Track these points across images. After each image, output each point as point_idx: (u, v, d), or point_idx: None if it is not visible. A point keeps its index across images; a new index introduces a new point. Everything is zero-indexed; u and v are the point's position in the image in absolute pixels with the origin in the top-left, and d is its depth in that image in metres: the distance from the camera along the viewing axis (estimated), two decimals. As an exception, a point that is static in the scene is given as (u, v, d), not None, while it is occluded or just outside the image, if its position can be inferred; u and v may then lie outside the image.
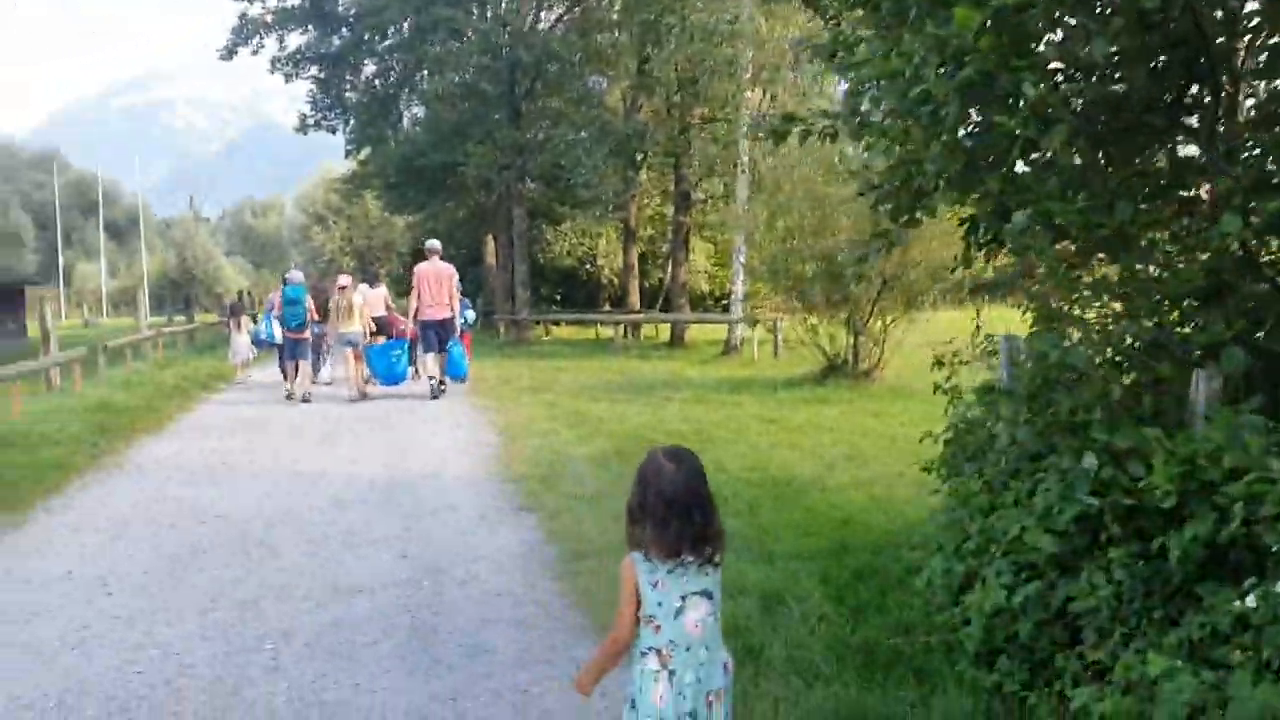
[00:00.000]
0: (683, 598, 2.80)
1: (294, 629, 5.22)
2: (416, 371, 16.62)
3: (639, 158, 24.68)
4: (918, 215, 5.03)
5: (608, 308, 39.59)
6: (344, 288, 16.09)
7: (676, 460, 2.83)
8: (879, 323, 14.13)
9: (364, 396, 15.27)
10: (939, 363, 5.91)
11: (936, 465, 5.60)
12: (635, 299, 30.33)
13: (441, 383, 15.40)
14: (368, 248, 57.84)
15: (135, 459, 10.40)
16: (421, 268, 15.58)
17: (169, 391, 15.70)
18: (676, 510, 2.75)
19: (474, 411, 13.42)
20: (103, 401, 13.11)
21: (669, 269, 26.56)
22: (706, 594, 2.84)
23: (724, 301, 40.59)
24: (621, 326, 25.10)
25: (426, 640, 5.01)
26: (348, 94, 33.07)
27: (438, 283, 15.44)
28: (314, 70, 31.44)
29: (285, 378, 16.01)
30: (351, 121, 33.28)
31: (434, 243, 16.27)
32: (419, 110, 33.98)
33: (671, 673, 2.80)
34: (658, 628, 2.80)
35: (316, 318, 16.16)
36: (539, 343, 27.05)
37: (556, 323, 31.45)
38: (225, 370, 20.53)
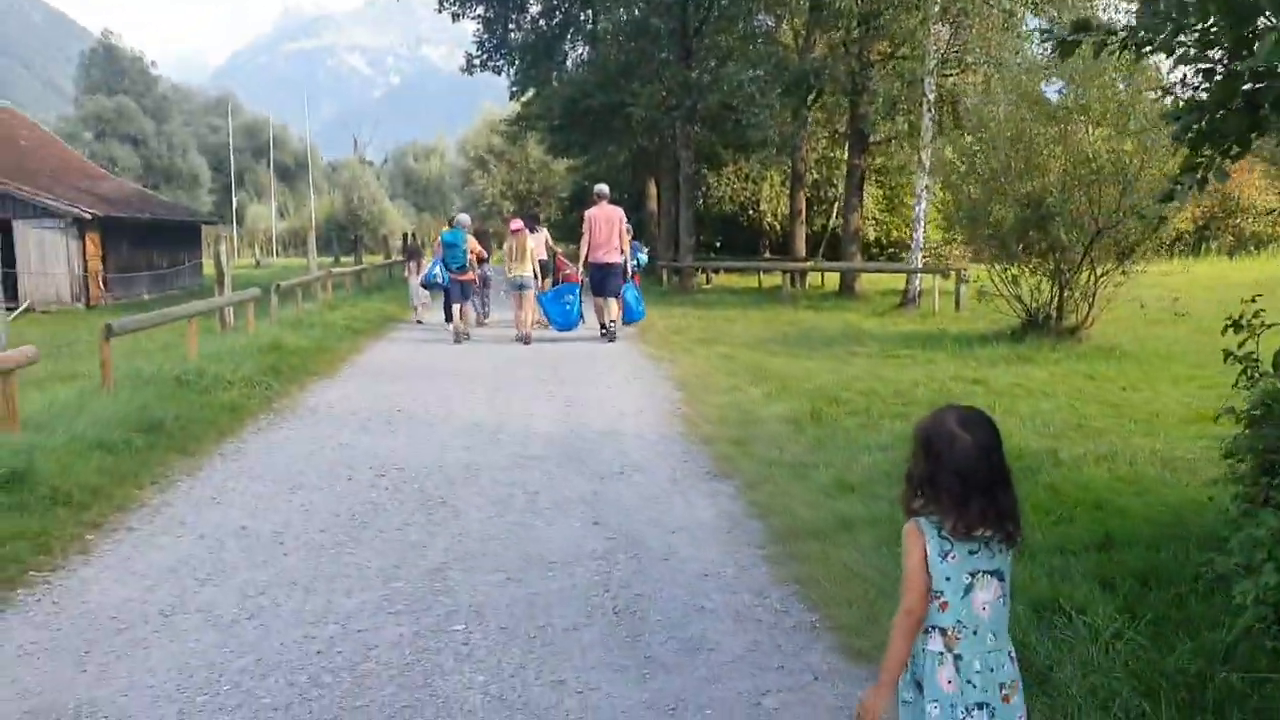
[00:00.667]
0: (972, 575, 2.50)
1: (485, 606, 4.68)
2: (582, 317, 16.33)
3: (811, 97, 23.45)
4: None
5: (768, 255, 38.56)
6: (517, 231, 15.98)
7: (972, 428, 2.48)
8: (1088, 275, 12.88)
9: (528, 341, 15.14)
10: (1236, 325, 4.91)
11: (1234, 450, 4.67)
12: (801, 246, 29.23)
13: (614, 325, 15.29)
14: (528, 192, 57.97)
15: (308, 403, 10.15)
16: (592, 212, 15.69)
17: (339, 333, 15.60)
18: (976, 486, 2.44)
19: (648, 362, 12.82)
20: (275, 342, 13.00)
21: (841, 214, 25.33)
22: (998, 574, 2.54)
23: (890, 249, 39.17)
24: (789, 275, 24.09)
25: (634, 629, 4.39)
26: (513, 34, 32.75)
27: (608, 226, 15.54)
28: (480, 10, 31.15)
29: (448, 320, 16.18)
30: (516, 63, 33.01)
31: (603, 187, 16.38)
32: (584, 51, 33.48)
33: (958, 657, 2.50)
34: (944, 605, 2.51)
35: (481, 259, 16.14)
36: (702, 290, 26.27)
37: (718, 270, 30.57)
38: (392, 311, 20.53)
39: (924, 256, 20.79)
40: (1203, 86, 4.02)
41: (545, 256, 16.74)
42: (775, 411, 8.65)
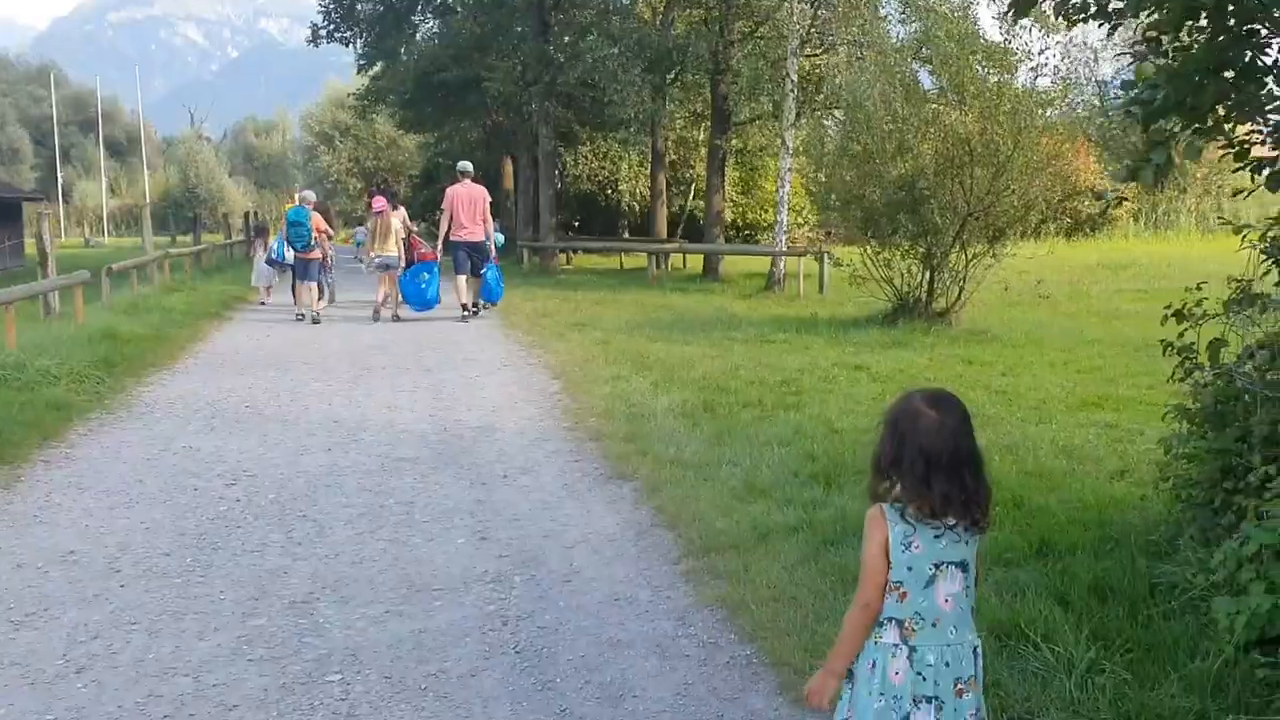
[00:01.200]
0: (936, 565, 2.40)
1: (364, 648, 4.01)
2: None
3: (672, 75, 23.02)
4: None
5: (627, 235, 38.15)
6: (380, 210, 15.66)
7: (939, 407, 2.39)
8: (961, 258, 12.79)
9: (396, 318, 15.18)
10: (1179, 315, 4.60)
11: (1184, 451, 4.36)
12: (662, 227, 28.89)
13: (476, 306, 15.32)
14: (376, 169, 56.08)
15: (146, 398, 9.17)
16: (454, 190, 15.44)
17: (179, 318, 14.43)
18: (942, 468, 2.33)
19: (518, 349, 12.16)
20: (107, 330, 11.85)
21: (699, 195, 25.01)
22: (963, 565, 2.43)
23: (746, 232, 39.25)
24: (655, 256, 23.66)
25: (542, 673, 3.79)
26: (360, 5, 31.34)
27: (471, 205, 15.37)
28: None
29: (295, 300, 15.92)
30: (364, 35, 31.64)
31: (466, 164, 16.09)
32: (434, 25, 32.28)
33: (913, 649, 2.39)
34: (903, 595, 2.40)
35: (327, 234, 15.97)
36: (563, 271, 25.63)
37: (578, 250, 29.95)
38: (236, 293, 19.29)
39: (788, 239, 20.61)
40: (1173, 50, 3.64)
41: (403, 234, 16.21)
42: (665, 404, 8.13)
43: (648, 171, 35.71)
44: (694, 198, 36.33)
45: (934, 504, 2.33)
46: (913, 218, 12.69)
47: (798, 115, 19.67)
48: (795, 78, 19.52)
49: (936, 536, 2.36)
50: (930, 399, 2.40)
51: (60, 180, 75.25)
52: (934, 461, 2.32)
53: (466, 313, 15.08)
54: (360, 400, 9.11)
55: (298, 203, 16.27)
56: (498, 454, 7.07)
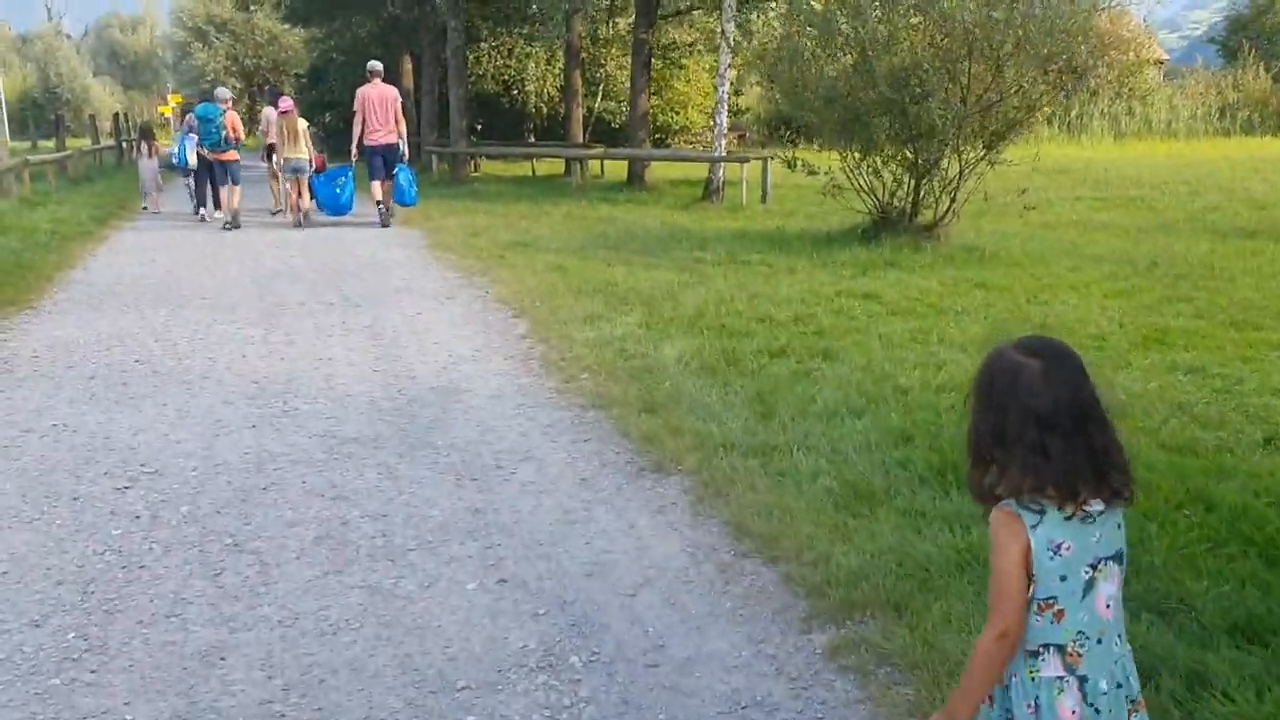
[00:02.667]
0: (1093, 565, 1.86)
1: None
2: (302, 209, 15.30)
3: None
4: None
5: (533, 140, 35.97)
6: (286, 111, 15.05)
7: (1041, 354, 1.87)
8: (954, 164, 11.36)
9: (301, 224, 14.76)
10: None
11: None
12: (578, 130, 26.89)
13: (389, 210, 15.00)
14: (257, 68, 52.32)
15: (3, 352, 7.25)
16: (364, 90, 14.96)
17: (44, 240, 12.29)
18: (1060, 429, 1.80)
19: (457, 277, 10.39)
20: (-48, 258, 9.77)
21: (630, 96, 23.07)
22: (1118, 557, 1.90)
23: (657, 135, 37.35)
24: (579, 164, 21.71)
25: None
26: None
27: (383, 106, 14.94)
28: None
29: (199, 208, 15.96)
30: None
31: (376, 64, 15.49)
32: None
33: (1083, 679, 1.87)
34: (1060, 614, 1.86)
35: (239, 138, 15.16)
36: (474, 179, 23.52)
37: (481, 156, 27.73)
38: (113, 208, 16.99)
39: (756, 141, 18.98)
40: None
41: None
42: (672, 354, 6.55)
43: (556, 71, 33.54)
44: (602, 99, 34.31)
45: (1056, 478, 1.82)
46: (901, 119, 11.18)
47: (741, 5, 17.91)
48: (736, -38, 17.72)
49: (1086, 526, 1.85)
50: (1026, 347, 1.90)
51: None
52: (1048, 422, 1.82)
53: (381, 216, 14.85)
54: (282, 349, 7.33)
55: (214, 100, 15.52)
56: (479, 430, 5.44)
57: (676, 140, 38.40)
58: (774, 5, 20.65)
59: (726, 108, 18.57)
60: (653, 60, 30.90)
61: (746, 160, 18.12)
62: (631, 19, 27.00)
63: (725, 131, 18.73)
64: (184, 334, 7.80)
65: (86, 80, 73.32)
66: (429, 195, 18.88)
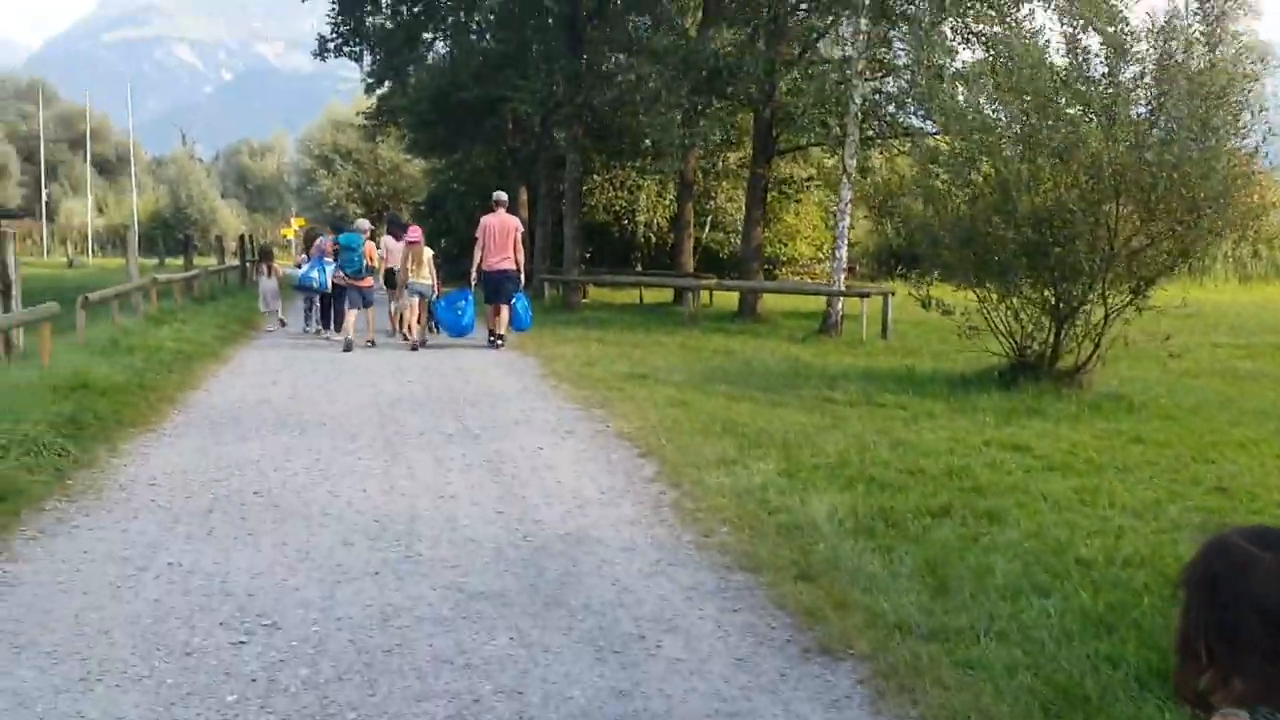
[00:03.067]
0: None
1: None
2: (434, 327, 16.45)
3: (714, 98, 20.99)
4: None
5: (640, 269, 36.17)
6: (415, 241, 15.58)
7: (1276, 545, 1.60)
8: (1099, 309, 10.79)
9: (418, 346, 15.21)
10: None
11: None
12: (688, 260, 26.89)
13: (501, 337, 15.45)
14: (376, 195, 54.11)
15: (121, 477, 7.06)
16: (487, 219, 15.49)
17: (168, 359, 12.35)
18: None
19: (575, 408, 10.08)
20: (78, 376, 9.75)
21: (744, 228, 22.97)
22: None
23: (765, 266, 37.24)
24: (690, 293, 21.53)
25: None
26: (370, 20, 29.45)
27: (504, 234, 15.40)
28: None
29: (326, 328, 16.80)
30: (373, 53, 29.76)
31: (501, 194, 16.27)
32: (449, 44, 30.33)
33: None
34: None
35: (375, 264, 15.96)
36: (587, 307, 23.47)
37: (596, 284, 27.81)
38: (235, 327, 17.26)
39: (846, 277, 18.62)
40: None
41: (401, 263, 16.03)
42: (821, 509, 6.04)
43: (666, 202, 33.86)
44: (710, 229, 34.44)
45: None
46: (1043, 261, 10.69)
47: (862, 142, 17.77)
48: (859, 101, 17.64)
49: None
50: (1258, 538, 1.63)
51: (45, 196, 73.15)
52: None
53: (493, 339, 15.40)
54: (403, 484, 7.02)
55: (354, 230, 16.39)
56: (615, 590, 4.98)
57: (784, 271, 38.30)
58: (897, 143, 20.48)
59: (846, 241, 18.27)
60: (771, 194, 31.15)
61: (867, 295, 17.74)
62: (745, 153, 27.22)
63: (845, 265, 18.39)
64: (304, 463, 7.55)
65: (215, 202, 76.89)
66: (542, 321, 18.85)
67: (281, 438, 8.49)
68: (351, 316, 15.20)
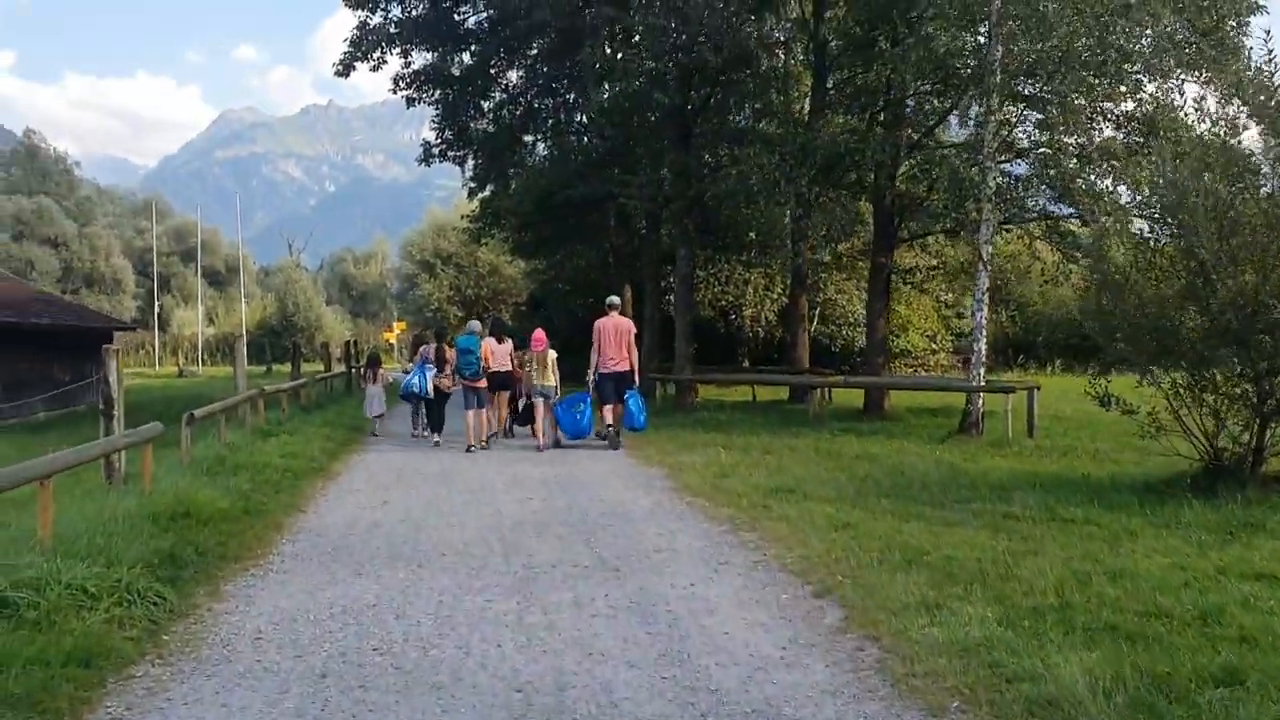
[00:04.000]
0: None
1: None
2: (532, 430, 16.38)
3: (828, 187, 20.05)
4: None
5: (746, 364, 35.11)
6: (540, 346, 15.98)
7: None
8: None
9: (542, 448, 15.42)
10: None
11: None
12: (804, 355, 25.77)
13: (618, 432, 15.72)
14: (476, 297, 54.24)
15: (223, 632, 6.14)
16: (601, 322, 15.94)
17: (275, 478, 11.61)
18: None
19: (719, 530, 8.95)
20: (180, 502, 9.00)
21: (867, 320, 21.82)
22: None
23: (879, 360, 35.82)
24: (818, 391, 20.34)
25: None
26: (473, 125, 29.43)
27: (618, 336, 15.81)
28: (438, 94, 27.78)
29: (431, 430, 16.90)
30: (475, 157, 29.68)
31: (615, 299, 16.78)
32: (549, 145, 30.13)
33: None
34: None
35: (491, 367, 16.07)
36: (700, 407, 22.36)
37: (709, 382, 26.79)
38: (341, 436, 16.63)
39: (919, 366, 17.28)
40: None
41: (508, 366, 16.56)
42: (1069, 673, 4.81)
43: (774, 295, 32.91)
44: (818, 323, 33.30)
45: None
46: (1243, 351, 9.36)
47: (995, 228, 16.63)
48: (994, 185, 16.54)
49: None
50: None
51: (158, 307, 75.20)
52: None
53: (608, 437, 15.62)
54: (542, 636, 5.97)
55: (468, 332, 16.52)
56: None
57: (898, 364, 36.89)
58: (1033, 226, 19.29)
59: (985, 333, 16.99)
60: (852, 282, 30.00)
61: (1012, 390, 16.37)
62: (856, 245, 26.20)
63: (984, 359, 17.09)
64: (427, 608, 6.56)
65: (320, 309, 78.23)
66: (657, 424, 17.93)
67: (398, 573, 7.52)
68: (470, 418, 15.63)
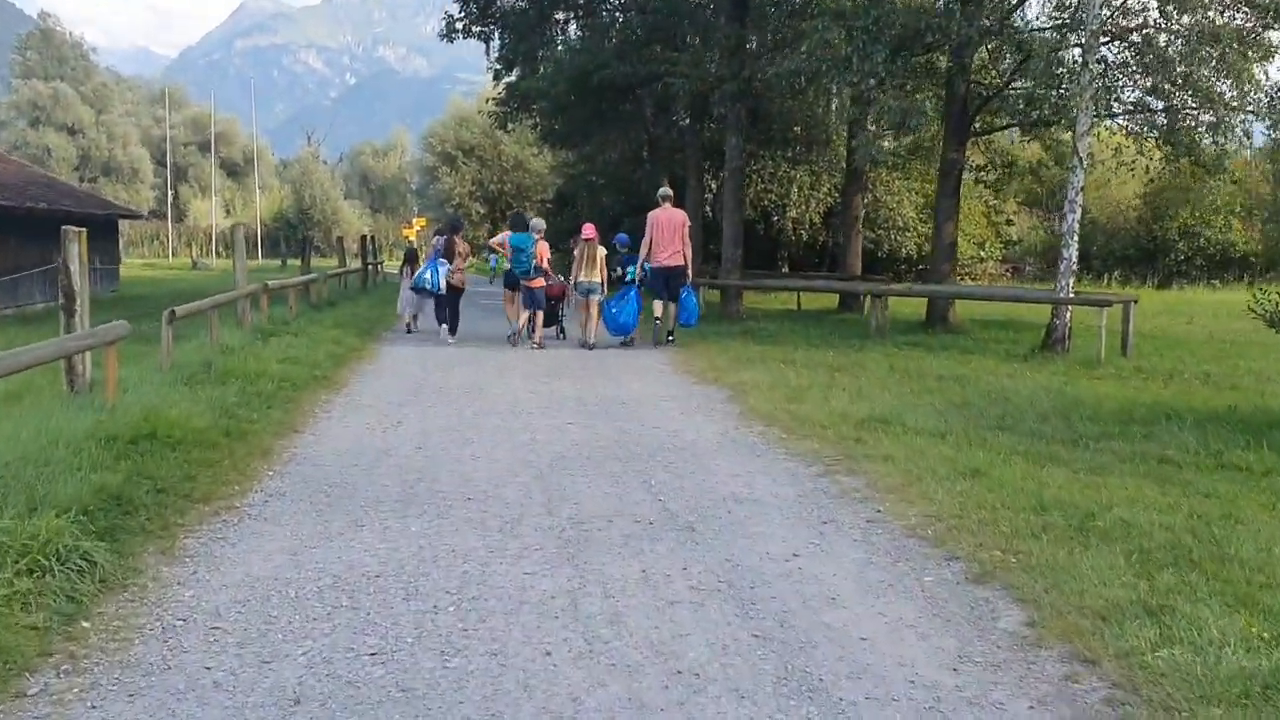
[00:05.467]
0: None
1: None
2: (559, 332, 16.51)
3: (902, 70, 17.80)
4: None
5: (785, 269, 33.12)
6: (590, 239, 15.35)
7: None
8: None
9: (591, 347, 14.95)
10: None
11: None
12: (856, 261, 23.82)
13: (673, 334, 15.40)
14: (500, 193, 52.09)
15: (168, 614, 4.48)
16: (655, 214, 15.33)
17: (270, 388, 9.90)
18: None
19: (817, 475, 7.19)
20: (146, 421, 7.32)
21: (934, 222, 19.80)
22: None
23: (920, 265, 33.70)
24: (877, 300, 18.30)
25: None
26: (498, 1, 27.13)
27: (671, 229, 15.15)
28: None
29: (441, 324, 16.08)
30: (501, 36, 27.44)
31: (667, 189, 16.07)
32: (581, 24, 27.76)
33: None
34: None
35: (545, 265, 15.45)
36: (746, 316, 20.44)
37: (753, 288, 24.77)
38: (356, 340, 15.01)
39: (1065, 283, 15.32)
40: None
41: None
42: None
43: (821, 195, 30.76)
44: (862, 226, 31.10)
45: None
46: None
47: (1098, 117, 14.56)
48: (1096, 68, 14.40)
49: None
50: None
51: (171, 198, 73.43)
52: None
53: (658, 332, 15.33)
54: (605, 636, 4.27)
55: (529, 229, 15.87)
56: None
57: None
58: (1126, 120, 17.15)
59: (1076, 237, 15.02)
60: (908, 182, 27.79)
61: (1108, 304, 14.45)
62: (920, 137, 24.01)
63: (1074, 268, 15.14)
64: (447, 585, 4.87)
65: (338, 203, 76.23)
66: (703, 332, 16.29)
67: (410, 525, 5.83)
68: (524, 317, 15.26)
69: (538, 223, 16.14)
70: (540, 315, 15.28)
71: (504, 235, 15.98)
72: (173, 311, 10.26)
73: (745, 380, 11.25)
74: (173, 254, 67.63)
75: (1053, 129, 19.86)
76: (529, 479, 6.99)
